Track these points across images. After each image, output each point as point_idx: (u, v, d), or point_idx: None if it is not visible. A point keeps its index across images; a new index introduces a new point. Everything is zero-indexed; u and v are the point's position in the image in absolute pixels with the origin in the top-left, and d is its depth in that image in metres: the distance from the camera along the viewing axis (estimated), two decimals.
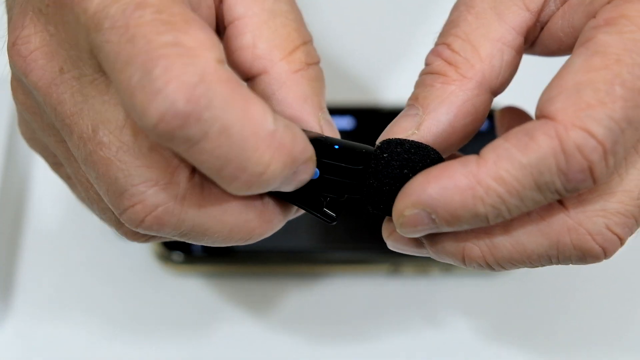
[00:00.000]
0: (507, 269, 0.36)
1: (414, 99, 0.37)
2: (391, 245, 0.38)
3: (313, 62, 0.39)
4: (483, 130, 0.61)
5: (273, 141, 0.32)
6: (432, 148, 0.37)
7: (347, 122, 0.60)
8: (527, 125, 0.33)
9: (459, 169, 0.33)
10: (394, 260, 0.57)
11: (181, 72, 0.30)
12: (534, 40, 0.38)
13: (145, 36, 0.31)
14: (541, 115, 0.33)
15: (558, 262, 0.36)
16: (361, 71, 0.64)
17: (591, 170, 0.32)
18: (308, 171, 0.35)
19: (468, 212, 0.33)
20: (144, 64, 0.30)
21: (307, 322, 0.57)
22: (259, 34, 0.38)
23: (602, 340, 0.56)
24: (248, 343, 0.56)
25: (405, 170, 0.36)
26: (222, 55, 0.32)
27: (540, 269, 0.58)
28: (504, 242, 0.36)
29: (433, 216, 0.34)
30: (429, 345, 0.56)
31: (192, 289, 0.58)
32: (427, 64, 0.38)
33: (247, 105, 0.32)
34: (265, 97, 0.38)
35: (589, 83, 0.32)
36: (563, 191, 0.33)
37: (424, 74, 0.38)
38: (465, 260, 0.36)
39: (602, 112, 0.32)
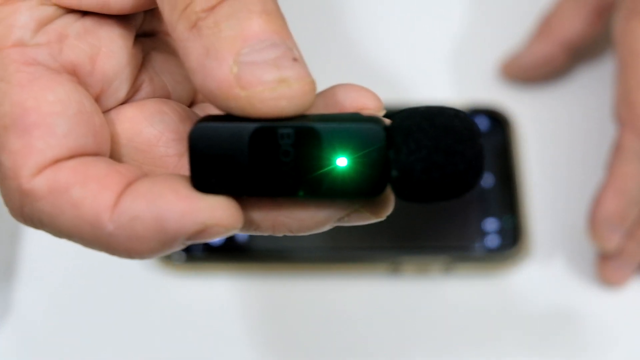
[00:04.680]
0: None
1: None
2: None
3: (216, 4, 0.32)
4: (484, 131, 0.61)
5: (116, 241, 0.32)
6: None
7: None
8: None
9: None
10: (394, 260, 0.57)
11: (8, 196, 0.32)
12: None
13: None
14: None
15: None
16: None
17: None
18: (212, 237, 0.32)
19: None
20: None
21: (307, 321, 0.57)
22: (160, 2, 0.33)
23: (604, 341, 0.56)
24: (248, 343, 0.56)
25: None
26: (42, 160, 0.32)
27: (540, 269, 0.58)
28: None
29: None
30: (429, 346, 0.56)
31: (192, 289, 0.58)
32: None
33: (76, 212, 0.31)
34: (188, 70, 0.33)
35: None
36: None
37: None
38: None
39: None
